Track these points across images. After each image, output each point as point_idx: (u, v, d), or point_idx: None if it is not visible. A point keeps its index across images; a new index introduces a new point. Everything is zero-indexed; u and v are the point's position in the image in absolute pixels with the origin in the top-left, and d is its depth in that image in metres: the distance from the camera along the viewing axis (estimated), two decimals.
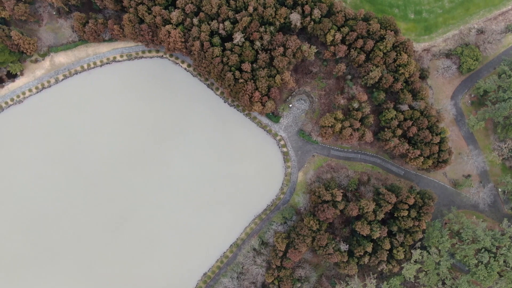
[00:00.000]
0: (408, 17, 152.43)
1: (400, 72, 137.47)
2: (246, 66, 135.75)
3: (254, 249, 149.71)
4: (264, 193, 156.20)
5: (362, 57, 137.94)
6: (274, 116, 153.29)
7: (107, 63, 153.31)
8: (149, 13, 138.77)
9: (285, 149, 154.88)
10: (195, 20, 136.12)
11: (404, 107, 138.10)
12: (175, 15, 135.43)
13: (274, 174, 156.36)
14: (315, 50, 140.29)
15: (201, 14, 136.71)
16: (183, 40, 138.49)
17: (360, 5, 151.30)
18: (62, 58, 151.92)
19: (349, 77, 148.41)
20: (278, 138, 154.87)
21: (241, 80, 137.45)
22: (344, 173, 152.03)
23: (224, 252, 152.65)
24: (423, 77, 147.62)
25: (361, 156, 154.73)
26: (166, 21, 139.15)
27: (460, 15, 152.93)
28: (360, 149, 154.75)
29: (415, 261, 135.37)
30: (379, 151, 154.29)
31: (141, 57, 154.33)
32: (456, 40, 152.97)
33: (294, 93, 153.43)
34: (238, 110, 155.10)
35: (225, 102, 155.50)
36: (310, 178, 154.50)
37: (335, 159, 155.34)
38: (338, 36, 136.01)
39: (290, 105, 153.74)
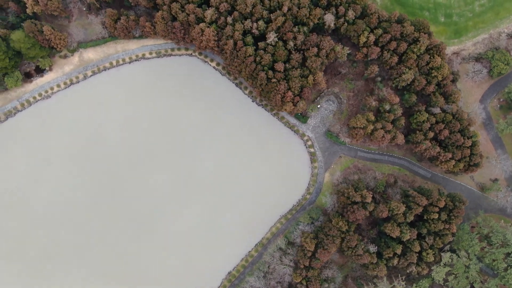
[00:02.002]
0: (438, 20, 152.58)
1: (433, 75, 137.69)
2: (279, 66, 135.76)
3: (280, 249, 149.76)
4: (290, 193, 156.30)
5: (395, 59, 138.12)
6: (302, 117, 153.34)
7: (135, 60, 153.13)
8: (182, 11, 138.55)
9: (312, 150, 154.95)
10: (229, 19, 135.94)
11: (436, 110, 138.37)
12: (209, 13, 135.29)
13: (301, 174, 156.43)
14: (348, 51, 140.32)
15: (235, 13, 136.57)
16: (216, 38, 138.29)
17: (391, 7, 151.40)
18: (91, 54, 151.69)
19: (379, 79, 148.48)
20: (305, 138, 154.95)
21: (273, 80, 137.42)
22: (371, 174, 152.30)
23: (249, 251, 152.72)
24: (453, 80, 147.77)
25: (388, 158, 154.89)
26: (199, 19, 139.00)
27: (490, 19, 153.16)
28: (387, 151, 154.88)
29: (445, 264, 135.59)
30: (406, 153, 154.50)
31: (170, 55, 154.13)
32: (485, 44, 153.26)
33: (322, 93, 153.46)
34: (266, 110, 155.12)
35: (253, 101, 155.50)
36: (336, 179, 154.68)
37: (362, 161, 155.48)
38: (372, 38, 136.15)
39: (318, 106, 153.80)
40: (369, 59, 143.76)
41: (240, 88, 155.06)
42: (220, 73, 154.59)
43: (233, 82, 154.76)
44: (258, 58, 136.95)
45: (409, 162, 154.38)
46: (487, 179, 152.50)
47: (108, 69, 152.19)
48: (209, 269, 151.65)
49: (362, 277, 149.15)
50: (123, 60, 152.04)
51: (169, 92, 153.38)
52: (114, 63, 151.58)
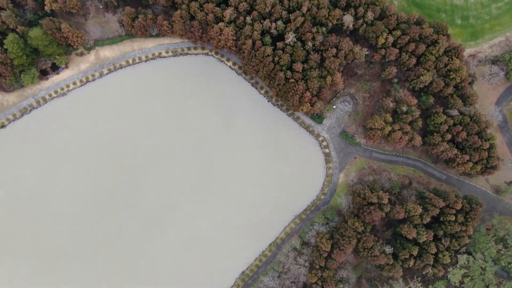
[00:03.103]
0: (455, 22, 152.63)
1: (451, 77, 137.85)
2: (298, 66, 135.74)
3: (295, 249, 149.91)
4: (305, 193, 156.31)
5: (413, 60, 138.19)
6: (318, 117, 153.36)
7: (152, 59, 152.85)
8: (201, 10, 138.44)
9: (327, 150, 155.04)
10: (248, 19, 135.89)
11: (454, 112, 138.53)
12: (228, 13, 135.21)
13: (315, 174, 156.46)
14: (366, 52, 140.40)
15: (254, 13, 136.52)
16: (234, 38, 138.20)
17: (408, 9, 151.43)
18: (107, 52, 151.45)
19: (396, 80, 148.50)
20: (320, 139, 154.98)
21: (291, 80, 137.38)
22: (386, 176, 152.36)
23: (263, 251, 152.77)
24: (470, 82, 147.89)
25: (403, 159, 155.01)
26: (218, 19, 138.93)
27: (507, 22, 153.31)
28: (402, 152, 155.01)
29: (461, 266, 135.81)
30: (421, 155, 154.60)
31: (186, 54, 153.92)
32: (502, 46, 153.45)
33: (338, 94, 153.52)
34: (281, 110, 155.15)
35: (268, 101, 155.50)
36: (351, 179, 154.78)
37: (377, 162, 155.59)
38: (390, 39, 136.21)
39: (334, 107, 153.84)
40: (386, 60, 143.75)
41: (256, 88, 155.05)
42: (236, 72, 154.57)
43: (249, 82, 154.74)
44: (276, 58, 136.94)
45: (424, 163, 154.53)
46: (502, 182, 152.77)
47: (124, 67, 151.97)
48: (222, 268, 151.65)
49: (376, 278, 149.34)
50: (140, 58, 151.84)
51: (185, 91, 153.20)
52: (130, 61, 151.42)
